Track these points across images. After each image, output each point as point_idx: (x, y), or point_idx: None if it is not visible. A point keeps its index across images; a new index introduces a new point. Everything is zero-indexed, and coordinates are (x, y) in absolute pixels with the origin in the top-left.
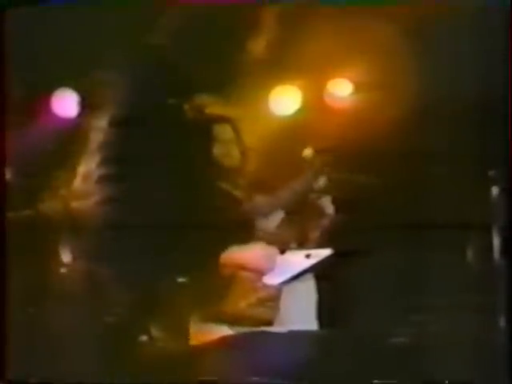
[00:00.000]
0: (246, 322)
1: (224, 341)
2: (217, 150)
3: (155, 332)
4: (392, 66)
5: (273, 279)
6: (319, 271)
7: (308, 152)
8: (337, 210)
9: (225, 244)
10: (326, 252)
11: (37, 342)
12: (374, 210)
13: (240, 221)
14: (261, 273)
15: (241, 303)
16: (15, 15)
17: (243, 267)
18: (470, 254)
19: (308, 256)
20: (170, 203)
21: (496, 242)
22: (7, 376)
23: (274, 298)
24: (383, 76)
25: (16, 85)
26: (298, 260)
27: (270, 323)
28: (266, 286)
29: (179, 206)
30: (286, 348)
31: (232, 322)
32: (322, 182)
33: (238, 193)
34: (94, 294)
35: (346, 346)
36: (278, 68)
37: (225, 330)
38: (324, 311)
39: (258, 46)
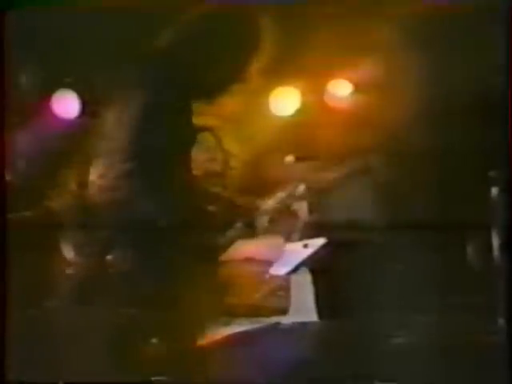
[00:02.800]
0: (261, 313)
1: (231, 338)
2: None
3: (161, 332)
4: (391, 68)
5: (278, 270)
6: (316, 264)
7: (290, 159)
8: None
9: (222, 242)
10: (320, 241)
11: (38, 342)
12: (373, 209)
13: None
14: (269, 263)
15: (254, 295)
16: (16, 16)
17: (252, 259)
18: (470, 254)
19: (306, 246)
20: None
21: (496, 242)
22: (7, 376)
23: (284, 287)
24: (382, 77)
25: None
26: (298, 250)
27: (283, 312)
28: (274, 277)
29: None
30: (290, 341)
31: (248, 314)
32: (301, 189)
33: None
34: (97, 295)
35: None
36: (279, 71)
37: (230, 329)
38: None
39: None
